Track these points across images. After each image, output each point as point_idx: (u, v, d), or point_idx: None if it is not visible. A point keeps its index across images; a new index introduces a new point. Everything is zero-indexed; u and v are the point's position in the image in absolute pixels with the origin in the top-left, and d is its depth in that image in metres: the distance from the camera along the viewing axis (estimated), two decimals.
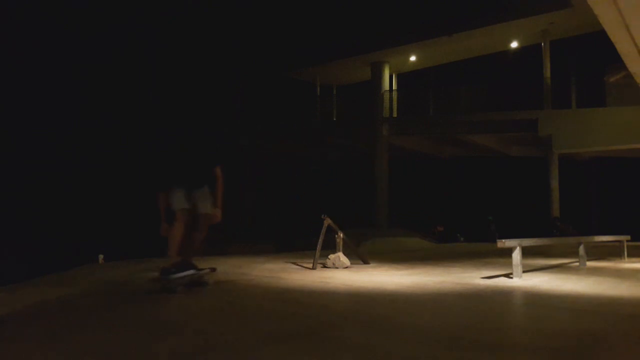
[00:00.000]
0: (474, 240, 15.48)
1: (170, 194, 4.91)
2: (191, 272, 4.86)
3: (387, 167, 19.35)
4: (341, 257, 6.83)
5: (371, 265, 7.14)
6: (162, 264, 4.97)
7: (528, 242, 5.82)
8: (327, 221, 6.89)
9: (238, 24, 22.84)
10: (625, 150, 16.98)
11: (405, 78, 22.00)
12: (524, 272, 5.62)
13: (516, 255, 5.41)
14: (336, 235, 7.07)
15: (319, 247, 6.78)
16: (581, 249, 7.05)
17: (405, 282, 5.18)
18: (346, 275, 5.89)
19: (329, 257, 6.85)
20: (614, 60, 11.07)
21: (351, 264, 6.91)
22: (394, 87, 21.51)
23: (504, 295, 4.49)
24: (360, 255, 7.44)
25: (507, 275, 5.59)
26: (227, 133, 21.39)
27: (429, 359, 2.43)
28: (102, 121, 21.45)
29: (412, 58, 19.94)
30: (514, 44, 18.65)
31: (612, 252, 9.02)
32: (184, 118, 22.01)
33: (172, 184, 4.95)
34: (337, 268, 6.66)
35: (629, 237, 8.71)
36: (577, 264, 7.10)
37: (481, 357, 2.45)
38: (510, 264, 5.55)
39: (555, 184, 16.66)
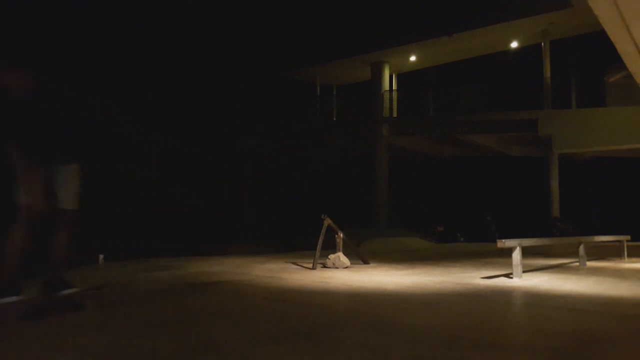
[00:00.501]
0: (474, 240, 15.49)
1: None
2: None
3: (387, 167, 19.35)
4: (341, 257, 6.83)
5: (371, 265, 7.14)
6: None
7: (528, 242, 5.82)
8: (327, 221, 6.89)
9: (238, 24, 22.84)
10: (625, 150, 16.99)
11: (405, 78, 22.01)
12: (524, 272, 5.62)
13: (516, 255, 5.41)
14: (336, 235, 7.07)
15: (319, 247, 6.78)
16: (581, 249, 7.05)
17: (405, 282, 5.17)
18: (346, 275, 5.89)
19: (329, 257, 6.85)
20: (614, 60, 11.08)
21: (351, 264, 6.90)
22: (394, 87, 21.51)
23: (504, 295, 4.49)
24: (360, 255, 7.44)
25: (507, 275, 5.58)
26: (227, 133, 21.40)
27: (429, 359, 2.43)
28: (102, 121, 21.44)
29: (412, 58, 19.95)
30: (514, 44, 18.66)
31: (612, 252, 9.02)
32: (184, 118, 22.04)
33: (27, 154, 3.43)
34: (337, 268, 6.66)
35: (629, 237, 8.71)
36: (577, 264, 7.10)
37: (481, 357, 2.45)
38: (510, 264, 5.55)
39: (555, 184, 16.66)
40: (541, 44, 17.58)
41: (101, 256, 7.34)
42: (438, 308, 3.89)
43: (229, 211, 21.85)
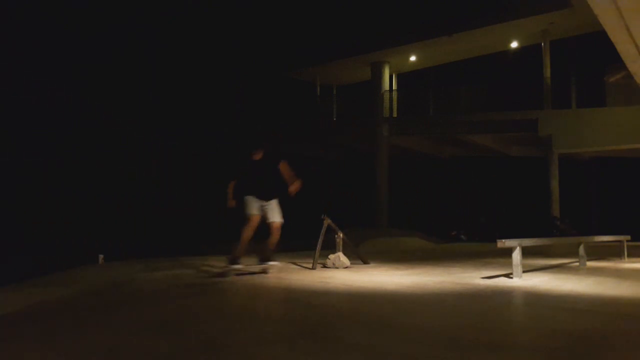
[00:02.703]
0: (475, 240, 15.49)
1: (245, 199, 5.94)
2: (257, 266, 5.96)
3: (387, 167, 19.35)
4: (341, 257, 6.83)
5: (371, 265, 7.14)
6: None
7: (528, 242, 5.82)
8: (327, 221, 6.89)
9: (238, 24, 22.85)
10: (625, 150, 16.99)
11: (405, 78, 22.00)
12: (524, 272, 5.62)
13: (516, 255, 5.41)
14: (336, 235, 7.07)
15: (318, 247, 6.78)
16: (581, 249, 7.05)
17: (405, 282, 5.18)
18: (346, 275, 5.89)
19: (329, 257, 6.85)
20: (614, 60, 11.07)
21: (351, 264, 6.91)
22: (394, 87, 21.51)
23: (504, 295, 4.49)
24: (360, 256, 7.44)
25: (507, 275, 5.59)
26: (227, 133, 21.40)
27: (429, 359, 2.43)
28: (102, 121, 21.45)
29: (412, 58, 19.95)
30: (514, 44, 18.65)
31: (612, 252, 9.02)
32: (184, 118, 22.05)
33: (248, 193, 5.95)
34: (337, 268, 6.67)
35: (629, 237, 8.72)
36: (577, 264, 7.10)
37: (481, 357, 2.45)
38: (510, 264, 5.55)
39: (555, 183, 16.65)
40: (541, 44, 17.57)
41: (101, 256, 7.34)
42: (438, 308, 3.89)
43: (229, 211, 21.82)
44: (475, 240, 15.39)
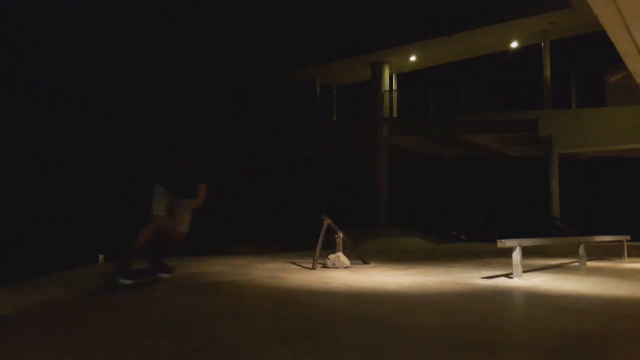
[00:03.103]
0: (474, 240, 15.50)
1: (154, 188, 5.22)
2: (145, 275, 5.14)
3: (387, 167, 19.35)
4: (341, 257, 6.83)
5: (371, 265, 7.14)
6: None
7: (528, 242, 5.83)
8: (327, 221, 6.89)
9: (238, 24, 22.85)
10: (625, 150, 16.98)
11: (405, 78, 22.00)
12: (524, 272, 5.62)
13: (516, 255, 5.41)
14: (336, 235, 7.07)
15: (318, 247, 6.78)
16: (581, 249, 7.05)
17: (405, 282, 5.18)
18: (346, 275, 5.89)
19: (329, 257, 6.85)
20: (614, 60, 11.07)
21: (351, 264, 6.91)
22: (394, 87, 21.51)
23: (504, 295, 4.49)
24: (360, 255, 7.44)
25: (507, 275, 5.59)
26: (227, 133, 21.40)
27: (429, 359, 2.43)
28: (102, 121, 21.45)
29: (412, 58, 19.95)
30: (514, 44, 18.65)
31: (612, 252, 9.02)
32: (184, 118, 22.05)
33: (159, 184, 5.22)
34: (337, 268, 6.66)
35: (629, 237, 8.72)
36: (577, 264, 7.10)
37: (481, 357, 2.45)
38: (510, 264, 5.55)
39: (555, 183, 16.65)
40: (541, 44, 17.57)
41: (101, 256, 7.34)
42: (438, 308, 3.89)
43: (229, 211, 21.85)
44: (475, 240, 15.39)
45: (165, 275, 5.21)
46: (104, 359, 2.48)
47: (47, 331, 3.05)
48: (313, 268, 6.54)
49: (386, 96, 20.02)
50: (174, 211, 5.24)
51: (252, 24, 22.68)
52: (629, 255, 8.56)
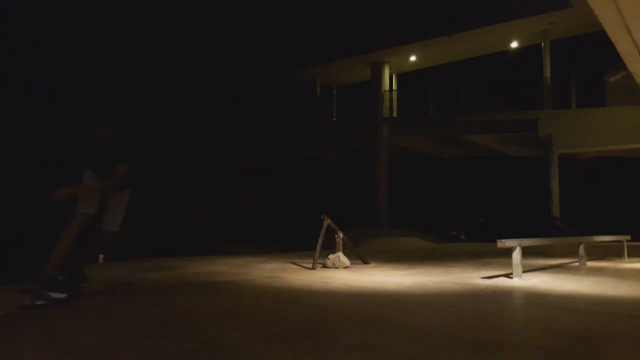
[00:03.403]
0: (475, 240, 15.50)
1: (83, 174, 4.37)
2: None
3: (387, 167, 19.35)
4: (341, 257, 6.83)
5: (371, 265, 7.14)
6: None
7: (528, 242, 5.83)
8: (327, 221, 6.89)
9: (238, 24, 22.84)
10: (625, 150, 16.98)
11: (405, 78, 22.00)
12: (524, 272, 5.62)
13: (516, 255, 5.41)
14: (336, 235, 7.07)
15: (318, 247, 6.78)
16: (581, 249, 7.05)
17: (405, 282, 5.18)
18: (346, 275, 5.89)
19: (328, 257, 6.85)
20: (614, 60, 11.07)
21: (351, 264, 6.91)
22: (394, 87, 21.51)
23: (504, 295, 4.49)
24: (360, 255, 7.44)
25: (507, 275, 5.59)
26: (227, 133, 21.40)
27: (429, 359, 2.43)
28: (101, 121, 21.41)
29: (412, 58, 19.95)
30: (514, 44, 18.65)
31: (612, 252, 9.02)
32: (185, 118, 22.05)
33: (90, 167, 4.31)
34: (337, 268, 6.66)
35: (629, 237, 8.72)
36: (577, 264, 7.10)
37: (481, 357, 2.45)
38: (510, 264, 5.55)
39: (555, 183, 16.65)
40: (541, 44, 17.57)
41: (101, 256, 7.33)
42: (438, 308, 3.89)
43: (229, 211, 21.85)
44: (477, 240, 15.38)
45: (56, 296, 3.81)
46: (104, 359, 2.48)
47: (47, 331, 3.05)
48: (313, 268, 6.54)
49: (386, 96, 20.02)
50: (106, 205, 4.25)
51: (252, 24, 22.68)
52: (629, 255, 8.56)
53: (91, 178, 4.29)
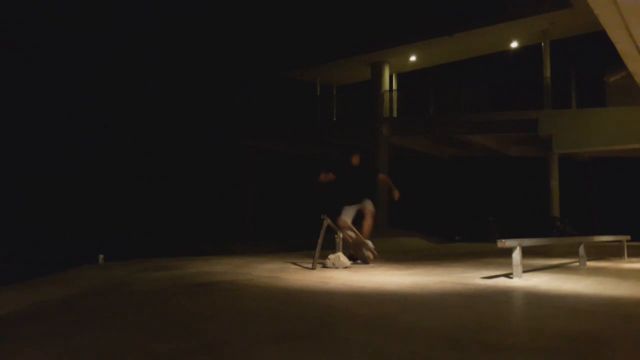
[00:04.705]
0: (473, 240, 15.48)
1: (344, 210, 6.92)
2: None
3: (387, 167, 19.35)
4: (341, 257, 6.82)
5: (371, 265, 7.14)
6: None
7: (528, 242, 5.82)
8: (327, 221, 6.88)
9: (238, 24, 22.86)
10: (625, 150, 17.00)
11: (405, 78, 22.01)
12: (524, 272, 5.61)
13: (516, 255, 5.40)
14: (336, 235, 7.07)
15: (318, 247, 6.78)
16: (581, 249, 7.04)
17: (406, 282, 5.17)
18: (346, 275, 5.88)
19: (328, 257, 6.85)
20: (614, 60, 11.08)
21: (351, 264, 6.91)
22: (394, 87, 21.51)
23: (504, 295, 4.49)
24: (367, 251, 7.44)
25: (507, 275, 5.58)
26: (228, 133, 21.41)
27: (429, 359, 2.43)
28: (102, 122, 21.43)
29: (412, 58, 19.95)
30: (514, 44, 18.66)
31: (612, 252, 9.02)
32: (185, 119, 22.05)
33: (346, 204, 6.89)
34: (337, 268, 6.66)
35: (629, 237, 8.71)
36: (577, 264, 7.10)
37: (481, 357, 2.45)
38: (510, 264, 5.55)
39: (555, 184, 16.66)
40: (541, 44, 17.57)
41: (101, 256, 7.34)
42: (438, 308, 3.89)
43: (229, 211, 21.85)
44: (476, 240, 15.37)
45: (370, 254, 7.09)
46: (104, 359, 2.48)
47: (47, 331, 3.05)
48: (313, 268, 6.53)
49: (386, 96, 20.02)
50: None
51: (252, 24, 22.69)
52: (629, 255, 8.55)
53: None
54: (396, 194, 7.22)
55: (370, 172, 7.46)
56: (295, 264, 7.19)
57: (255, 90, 22.90)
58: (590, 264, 7.26)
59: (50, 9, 20.59)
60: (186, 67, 22.91)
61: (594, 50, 16.34)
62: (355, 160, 7.05)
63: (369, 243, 7.16)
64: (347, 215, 6.85)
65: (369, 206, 7.02)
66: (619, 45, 9.07)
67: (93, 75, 21.72)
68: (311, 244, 7.14)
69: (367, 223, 6.94)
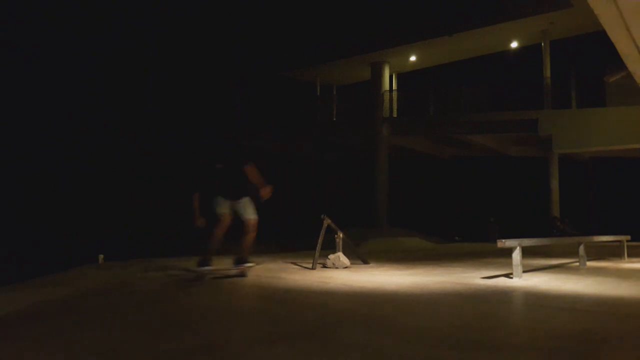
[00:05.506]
0: (473, 240, 15.48)
1: (212, 200, 5.63)
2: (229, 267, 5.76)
3: (387, 167, 19.35)
4: (341, 257, 6.82)
5: (371, 265, 7.14)
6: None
7: (528, 242, 5.82)
8: (327, 221, 6.88)
9: (238, 24, 22.86)
10: (625, 150, 16.99)
11: (405, 78, 22.00)
12: (524, 272, 5.62)
13: (516, 255, 5.40)
14: (336, 235, 7.07)
15: (318, 247, 6.78)
16: (581, 249, 7.04)
17: (406, 282, 5.17)
18: (346, 275, 5.88)
19: (328, 257, 6.85)
20: (614, 60, 11.08)
21: (351, 264, 6.90)
22: (394, 87, 21.50)
23: (504, 295, 4.49)
24: (360, 255, 7.44)
25: (507, 275, 5.59)
26: (228, 133, 21.40)
27: (429, 359, 2.43)
28: (102, 122, 21.44)
29: (412, 58, 19.95)
30: (514, 44, 18.65)
31: (612, 252, 9.02)
32: (185, 119, 22.05)
33: (216, 195, 5.63)
34: (337, 268, 6.66)
35: (629, 237, 8.71)
36: (577, 264, 7.10)
37: (481, 357, 2.45)
38: (510, 264, 5.55)
39: (555, 184, 16.65)
40: (541, 44, 17.57)
41: (101, 256, 7.34)
42: (438, 308, 3.89)
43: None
44: (476, 240, 15.37)
45: (249, 265, 5.75)
46: (104, 359, 2.48)
47: (47, 331, 3.05)
48: (313, 268, 6.53)
49: (386, 96, 20.02)
50: (234, 206, 5.72)
51: (252, 24, 22.69)
52: (629, 255, 8.56)
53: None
54: (264, 193, 5.65)
55: (236, 164, 5.80)
56: (295, 264, 7.19)
57: (255, 90, 22.90)
58: (590, 264, 7.26)
59: (50, 9, 20.59)
60: (186, 67, 22.91)
61: (594, 50, 16.34)
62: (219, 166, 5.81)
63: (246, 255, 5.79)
64: (222, 207, 5.57)
65: (248, 213, 5.64)
66: (619, 45, 9.07)
67: (93, 75, 21.72)
68: (311, 244, 7.14)
69: (247, 236, 5.65)
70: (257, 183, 5.75)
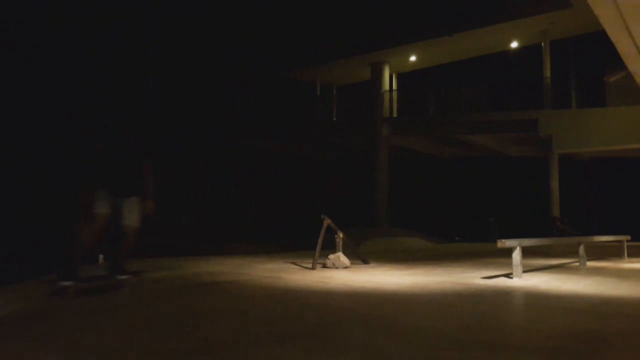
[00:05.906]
0: (473, 240, 15.48)
1: (95, 195, 4.55)
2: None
3: (387, 167, 19.34)
4: (341, 257, 6.82)
5: (371, 265, 7.14)
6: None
7: (528, 242, 5.82)
8: (327, 221, 6.88)
9: (238, 24, 22.85)
10: (625, 150, 16.99)
11: (405, 78, 22.00)
12: (524, 272, 5.62)
13: (516, 255, 5.41)
14: (336, 235, 7.07)
15: (318, 247, 6.78)
16: (581, 249, 7.05)
17: (406, 282, 5.17)
18: (346, 275, 5.88)
19: (329, 257, 6.85)
20: (614, 60, 11.08)
21: (351, 264, 6.90)
22: (394, 87, 21.50)
23: (504, 295, 4.49)
24: (360, 255, 7.44)
25: (507, 275, 5.59)
26: (229, 134, 21.40)
27: (429, 359, 2.43)
28: (102, 122, 21.41)
29: (412, 58, 19.95)
30: (514, 44, 18.65)
31: (612, 252, 9.02)
32: (186, 119, 22.04)
33: (98, 187, 4.54)
34: (337, 268, 6.66)
35: (629, 237, 8.72)
36: (577, 264, 7.10)
37: (481, 357, 2.45)
38: (510, 264, 5.55)
39: (555, 184, 16.65)
40: (541, 44, 17.58)
41: (101, 256, 7.34)
42: (438, 308, 3.89)
43: (230, 211, 21.85)
44: (475, 240, 15.37)
45: (123, 278, 4.67)
46: (104, 359, 2.48)
47: (47, 331, 3.05)
48: (313, 268, 6.53)
49: (386, 96, 20.02)
50: (119, 206, 4.65)
51: (252, 24, 22.68)
52: (629, 255, 8.56)
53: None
54: (149, 206, 4.67)
55: (130, 150, 4.88)
56: (295, 264, 7.19)
57: (255, 90, 22.90)
58: (590, 264, 7.26)
59: (50, 9, 20.59)
60: (186, 67, 22.90)
61: (594, 50, 16.34)
62: (100, 148, 4.79)
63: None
64: (100, 205, 4.51)
65: (131, 219, 4.64)
66: (619, 45, 9.07)
67: (93, 75, 21.72)
68: (311, 244, 7.14)
69: (125, 241, 4.71)
70: (146, 190, 4.66)
